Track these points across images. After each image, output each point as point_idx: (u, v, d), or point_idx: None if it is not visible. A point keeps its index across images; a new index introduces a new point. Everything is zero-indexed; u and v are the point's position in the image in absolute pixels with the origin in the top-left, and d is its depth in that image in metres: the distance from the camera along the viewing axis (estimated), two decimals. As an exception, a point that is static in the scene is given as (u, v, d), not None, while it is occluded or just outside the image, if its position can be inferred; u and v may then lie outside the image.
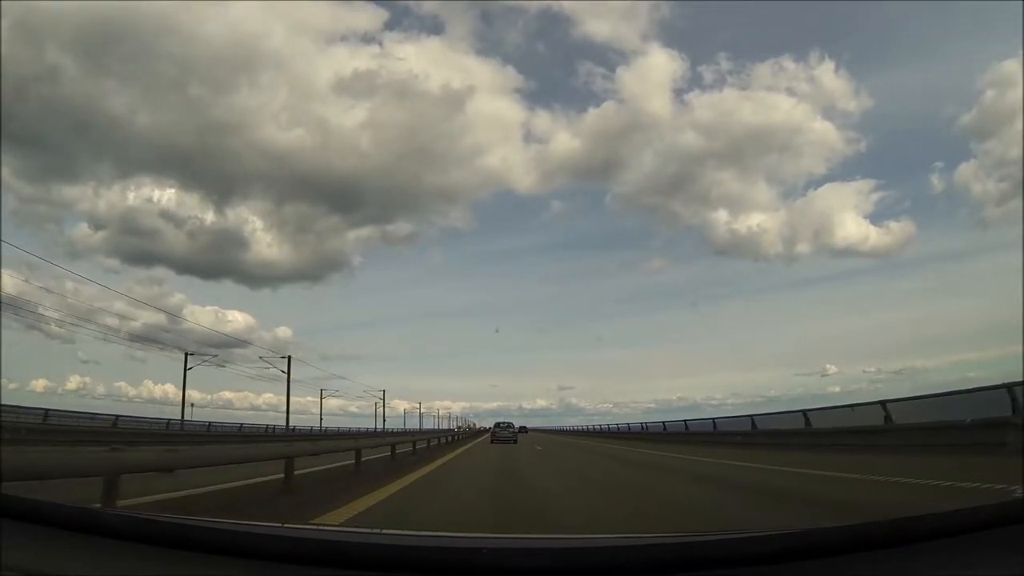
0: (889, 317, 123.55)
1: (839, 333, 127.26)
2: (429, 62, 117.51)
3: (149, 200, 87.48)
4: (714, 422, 24.97)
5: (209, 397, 79.97)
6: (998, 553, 1.32)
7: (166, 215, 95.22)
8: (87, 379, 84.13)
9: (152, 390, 78.91)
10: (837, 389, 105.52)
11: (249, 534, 1.53)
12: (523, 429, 71.23)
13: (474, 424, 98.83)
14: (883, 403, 15.32)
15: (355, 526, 5.14)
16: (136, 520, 1.66)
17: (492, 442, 30.25)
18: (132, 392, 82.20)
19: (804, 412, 19.75)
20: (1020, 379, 11.54)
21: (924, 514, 1.47)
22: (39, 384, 63.34)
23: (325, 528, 2.98)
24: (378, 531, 2.95)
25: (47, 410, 27.75)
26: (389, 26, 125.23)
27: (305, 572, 1.30)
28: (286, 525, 1.80)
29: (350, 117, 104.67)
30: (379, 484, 8.78)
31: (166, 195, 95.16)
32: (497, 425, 36.57)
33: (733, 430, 23.64)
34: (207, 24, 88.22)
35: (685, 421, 33.07)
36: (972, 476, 7.62)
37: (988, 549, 1.34)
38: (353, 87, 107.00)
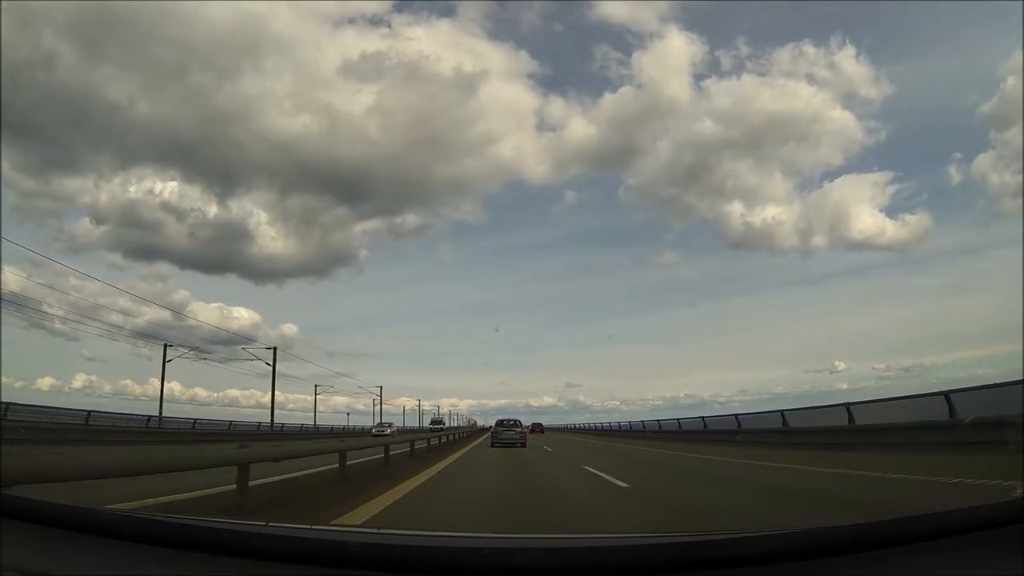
0: (901, 313, 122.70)
1: (850, 329, 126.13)
2: (440, 45, 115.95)
3: (151, 192, 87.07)
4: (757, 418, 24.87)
5: (216, 395, 80.00)
6: (998, 553, 1.33)
7: (168, 208, 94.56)
8: (93, 377, 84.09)
9: (158, 388, 78.76)
10: (845, 386, 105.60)
11: (249, 534, 1.53)
12: (538, 428, 61.32)
13: (475, 422, 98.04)
14: (847, 406, 17.41)
15: (356, 526, 5.14)
16: (137, 520, 1.66)
17: (492, 444, 25.01)
18: (138, 390, 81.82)
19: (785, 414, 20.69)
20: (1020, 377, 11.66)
21: (924, 514, 1.48)
22: (45, 382, 63.38)
23: (325, 528, 2.98)
24: (378, 531, 2.95)
25: (88, 412, 28.74)
26: (398, 8, 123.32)
27: (305, 572, 1.30)
28: (286, 525, 1.80)
29: (358, 102, 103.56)
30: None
31: (168, 187, 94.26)
32: (499, 424, 29.15)
33: (757, 427, 23.32)
34: (209, 7, 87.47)
35: (673, 420, 34.01)
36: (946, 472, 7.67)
37: (988, 549, 1.34)
38: (361, 70, 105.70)
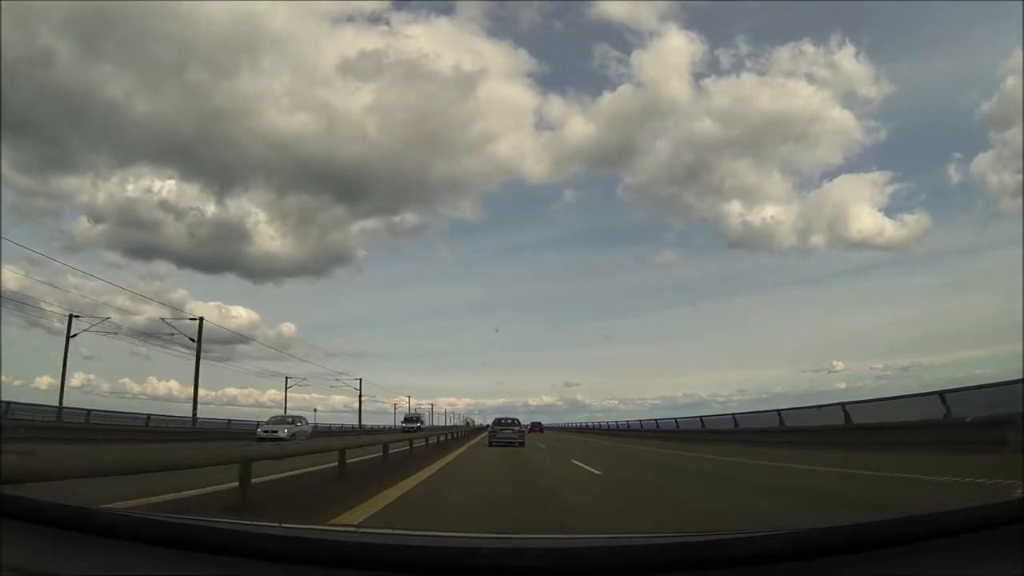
0: (900, 313, 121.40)
1: (849, 329, 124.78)
2: (439, 44, 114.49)
3: (148, 191, 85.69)
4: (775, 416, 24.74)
5: (213, 394, 79.53)
6: (998, 553, 1.33)
7: (166, 206, 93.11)
8: (91, 376, 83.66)
9: (156, 387, 78.51)
10: (843, 386, 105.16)
11: (249, 534, 1.53)
12: (537, 427, 60.75)
13: (471, 421, 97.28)
14: (843, 405, 18.20)
15: (355, 526, 5.14)
16: (136, 520, 1.67)
17: (490, 444, 24.62)
18: (137, 389, 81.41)
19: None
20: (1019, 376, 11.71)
21: (924, 514, 1.48)
22: (43, 381, 62.98)
23: (325, 528, 2.98)
24: (378, 531, 2.96)
25: (88, 411, 28.59)
26: (397, 6, 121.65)
27: (305, 572, 1.30)
28: (285, 525, 1.80)
29: (356, 101, 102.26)
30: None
31: (166, 186, 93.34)
32: (497, 422, 28.67)
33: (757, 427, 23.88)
34: (207, 4, 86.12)
35: (670, 419, 34.99)
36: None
37: (988, 549, 1.34)
38: (359, 68, 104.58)
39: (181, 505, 6.00)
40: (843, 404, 18.06)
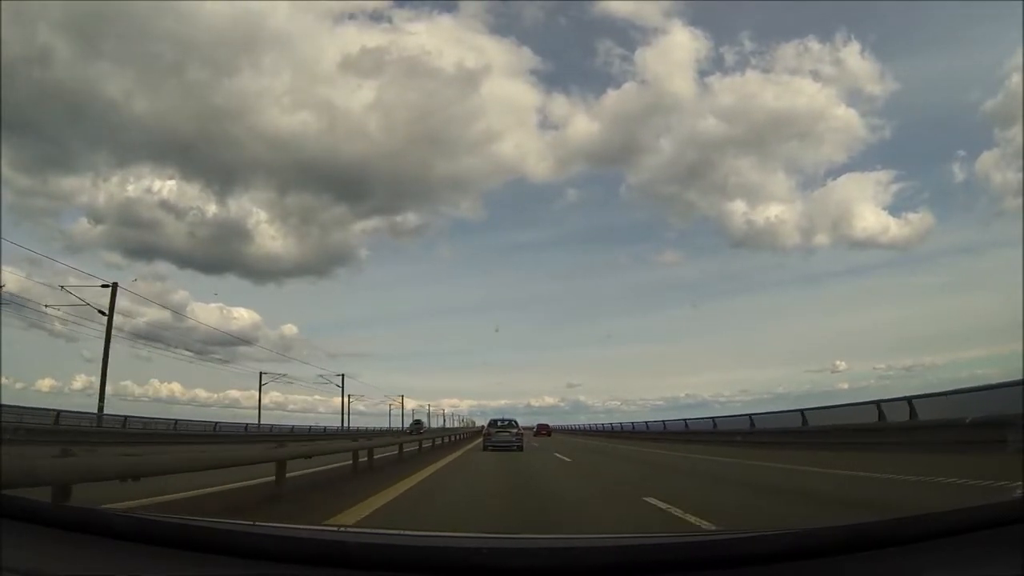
0: (903, 312, 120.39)
1: (852, 328, 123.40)
2: (441, 41, 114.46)
3: (149, 191, 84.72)
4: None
5: (216, 396, 79.11)
6: (998, 553, 1.33)
7: (166, 206, 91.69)
8: (93, 378, 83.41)
9: (159, 389, 78.22)
10: (846, 386, 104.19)
11: (249, 534, 1.53)
12: (544, 429, 57.14)
13: (473, 422, 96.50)
14: (802, 412, 19.40)
15: (358, 526, 5.15)
16: (136, 520, 1.67)
17: (485, 448, 22.73)
18: (139, 391, 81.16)
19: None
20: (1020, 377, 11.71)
21: (924, 514, 1.48)
22: (45, 384, 62.93)
23: (325, 528, 2.98)
24: (378, 531, 2.96)
25: (176, 420, 29.76)
26: (399, 4, 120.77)
27: (305, 572, 1.31)
28: (286, 525, 1.80)
29: (357, 99, 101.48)
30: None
31: (166, 186, 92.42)
32: (492, 424, 25.98)
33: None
34: (207, 2, 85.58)
35: (659, 422, 35.27)
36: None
37: (988, 549, 1.34)
38: (361, 65, 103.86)
39: (229, 496, 6.82)
40: (801, 410, 19.48)
